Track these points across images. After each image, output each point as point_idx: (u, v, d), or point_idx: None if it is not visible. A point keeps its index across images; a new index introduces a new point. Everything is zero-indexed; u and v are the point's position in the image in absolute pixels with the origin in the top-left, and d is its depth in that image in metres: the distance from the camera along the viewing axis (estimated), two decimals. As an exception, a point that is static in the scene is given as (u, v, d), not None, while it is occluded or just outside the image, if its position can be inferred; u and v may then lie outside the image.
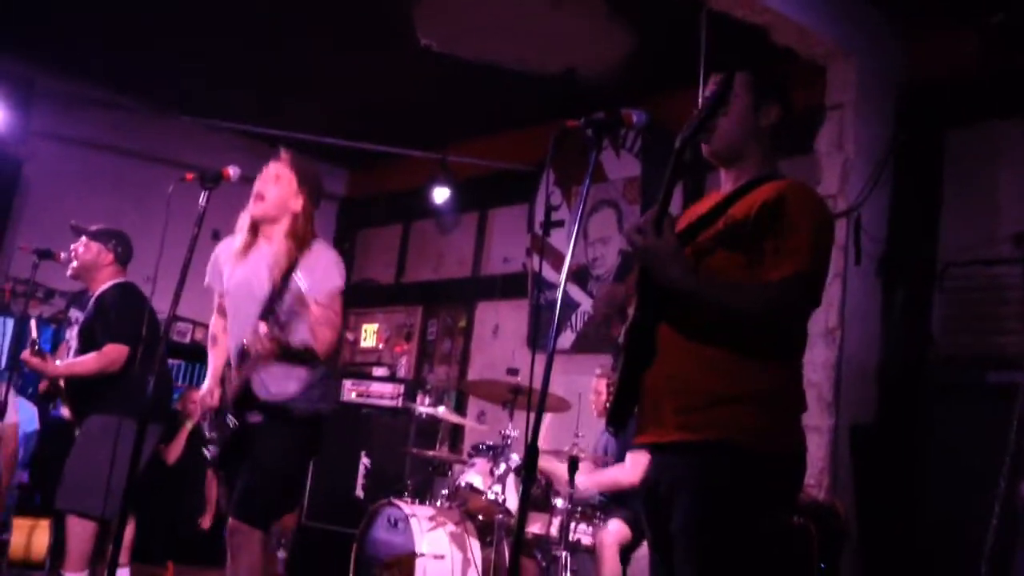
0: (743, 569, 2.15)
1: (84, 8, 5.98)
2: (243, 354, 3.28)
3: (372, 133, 7.31)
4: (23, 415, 6.05)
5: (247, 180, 3.40)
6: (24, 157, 6.86)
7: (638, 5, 5.25)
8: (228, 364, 3.44)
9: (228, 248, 3.50)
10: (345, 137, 7.15)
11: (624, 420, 2.32)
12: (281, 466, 3.33)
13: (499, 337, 7.24)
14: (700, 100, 2.40)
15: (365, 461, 6.62)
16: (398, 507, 4.93)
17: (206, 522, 6.40)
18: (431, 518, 4.88)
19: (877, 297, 4.90)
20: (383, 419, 6.80)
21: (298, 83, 6.80)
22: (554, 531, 4.63)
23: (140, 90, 7.19)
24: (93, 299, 4.53)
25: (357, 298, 8.36)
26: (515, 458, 4.80)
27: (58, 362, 4.53)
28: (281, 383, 3.31)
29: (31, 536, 5.43)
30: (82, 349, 4.46)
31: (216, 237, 3.56)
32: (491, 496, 4.72)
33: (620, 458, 4.89)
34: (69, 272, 4.58)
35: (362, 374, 7.49)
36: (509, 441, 4.86)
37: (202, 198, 3.17)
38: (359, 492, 6.54)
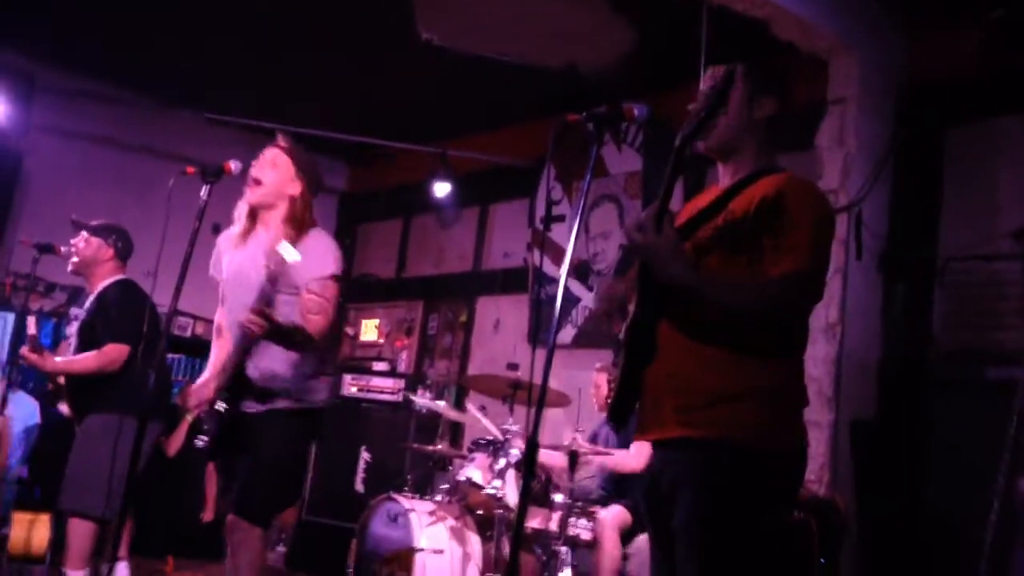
0: (745, 566, 2.15)
1: (85, 3, 5.97)
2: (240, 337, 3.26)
3: (373, 128, 7.30)
4: (24, 410, 6.05)
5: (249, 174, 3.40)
6: (25, 151, 6.85)
7: (639, 0, 5.24)
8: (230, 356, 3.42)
9: (228, 237, 3.49)
10: (346, 132, 7.14)
11: (625, 417, 2.32)
12: (280, 459, 3.29)
13: (500, 332, 7.24)
14: (698, 94, 2.39)
15: (365, 456, 6.62)
16: (398, 502, 4.93)
17: (207, 515, 6.40)
18: (431, 513, 4.88)
19: (878, 292, 4.90)
20: (383, 414, 6.80)
21: (299, 80, 6.79)
22: (553, 526, 4.63)
23: (141, 85, 7.19)
24: (94, 296, 4.52)
25: (357, 293, 8.37)
26: (515, 452, 4.80)
27: (58, 359, 4.53)
28: (271, 362, 3.26)
29: (31, 530, 5.43)
30: (81, 347, 4.45)
31: (217, 231, 3.54)
32: (491, 491, 4.72)
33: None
34: (69, 268, 4.57)
35: (362, 369, 7.50)
36: (509, 436, 4.86)
37: (203, 192, 3.17)
38: (359, 487, 6.55)
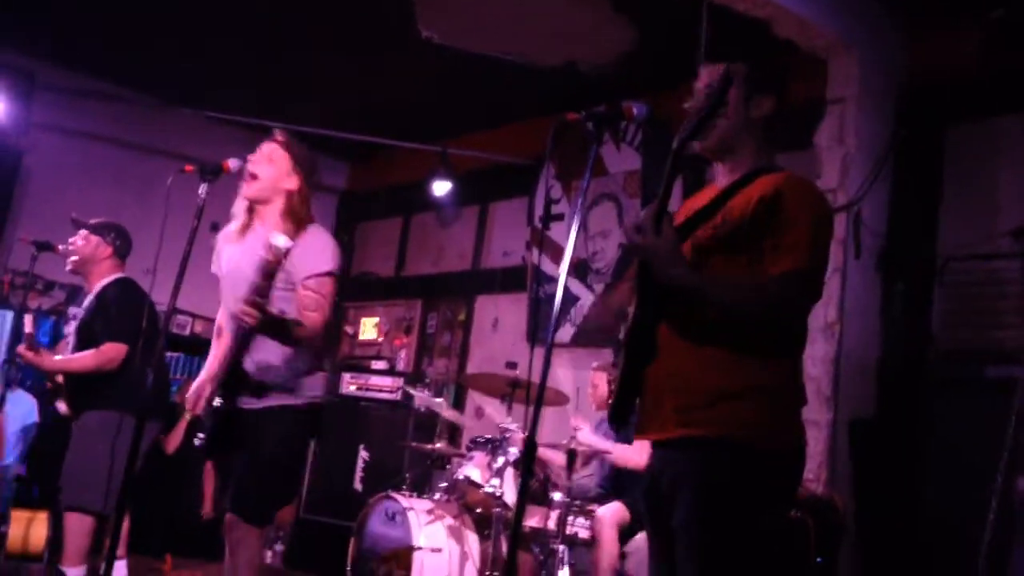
0: (745, 565, 2.16)
1: (86, 2, 5.96)
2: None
3: (373, 127, 7.30)
4: (22, 407, 6.05)
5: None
6: (25, 148, 6.85)
7: (639, -1, 5.25)
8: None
9: (227, 233, 3.48)
10: (346, 131, 7.14)
11: (626, 417, 2.32)
12: (277, 457, 3.27)
13: (498, 330, 7.24)
14: (694, 92, 2.39)
15: (364, 454, 6.63)
16: (396, 500, 4.93)
17: (206, 510, 6.40)
18: (429, 511, 4.88)
19: (877, 292, 4.90)
20: (382, 412, 6.81)
21: (299, 79, 6.79)
22: (552, 525, 4.63)
23: (141, 83, 7.19)
24: (93, 295, 4.52)
25: (357, 291, 8.37)
26: (513, 451, 4.80)
27: (56, 357, 4.53)
28: (266, 355, 3.24)
29: (29, 528, 5.44)
30: (80, 345, 4.45)
31: (215, 229, 3.53)
32: (489, 489, 4.72)
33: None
34: (68, 266, 4.57)
35: (361, 367, 7.50)
36: (507, 434, 4.86)
37: (202, 190, 3.16)
38: (357, 485, 6.55)
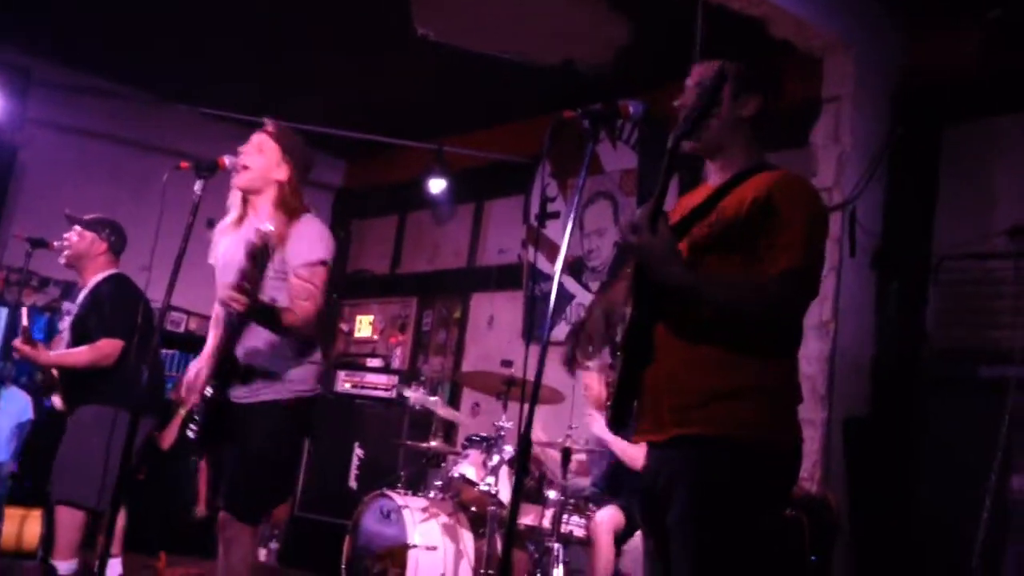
0: (740, 564, 2.15)
1: (83, -2, 5.96)
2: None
3: (369, 125, 7.29)
4: (16, 404, 6.04)
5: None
6: (20, 144, 6.83)
7: (636, -3, 5.25)
8: None
9: (223, 225, 3.47)
10: (343, 128, 7.13)
11: (625, 420, 2.32)
12: (268, 453, 3.24)
13: (494, 328, 7.24)
14: (685, 90, 2.39)
15: (358, 452, 6.63)
16: (391, 498, 4.93)
17: (200, 511, 6.40)
18: (424, 509, 4.88)
19: (871, 290, 4.90)
20: (377, 410, 6.81)
21: (296, 77, 6.77)
22: (547, 523, 4.64)
23: (137, 80, 7.17)
24: (87, 291, 4.51)
25: (352, 289, 8.36)
26: (508, 449, 4.81)
27: (52, 352, 4.52)
28: (255, 341, 3.22)
29: (23, 526, 5.43)
30: (75, 341, 4.45)
31: (211, 225, 3.53)
32: (484, 487, 4.73)
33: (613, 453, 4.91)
34: (62, 261, 4.57)
35: (356, 365, 7.50)
36: (503, 432, 4.86)
37: (197, 187, 3.16)
38: (352, 483, 6.55)
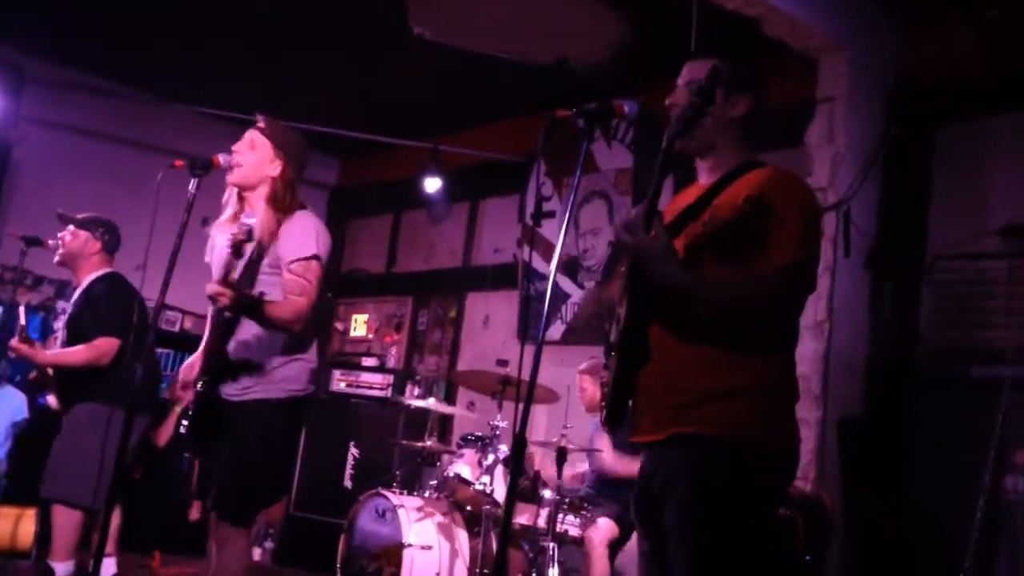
0: (737, 564, 2.15)
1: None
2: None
3: (364, 123, 7.29)
4: (11, 403, 6.02)
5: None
6: (14, 142, 6.82)
7: (631, -3, 5.25)
8: None
9: (220, 222, 3.46)
10: (338, 127, 7.13)
11: (621, 420, 2.32)
12: (256, 453, 3.21)
13: (489, 328, 7.24)
14: (676, 89, 2.40)
15: (354, 451, 6.62)
16: (386, 497, 4.93)
17: (193, 514, 6.38)
18: (419, 509, 4.88)
19: (865, 290, 4.91)
20: (372, 409, 6.80)
21: (292, 76, 6.76)
22: (542, 522, 4.65)
23: (132, 78, 7.15)
24: (81, 290, 4.50)
25: (347, 288, 8.36)
26: (503, 448, 4.81)
27: (48, 351, 4.51)
28: (246, 335, 3.22)
29: (17, 525, 5.42)
30: (69, 340, 4.44)
31: (206, 224, 3.52)
32: (479, 487, 4.73)
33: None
34: (56, 260, 4.56)
35: (351, 364, 7.49)
36: (498, 432, 4.87)
37: (192, 185, 3.15)
38: (347, 482, 6.55)
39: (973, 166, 4.87)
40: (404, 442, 5.60)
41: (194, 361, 3.42)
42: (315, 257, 3.27)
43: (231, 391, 3.23)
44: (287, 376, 3.27)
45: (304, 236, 3.28)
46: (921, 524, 4.50)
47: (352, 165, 8.75)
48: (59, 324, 4.57)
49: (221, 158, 3.24)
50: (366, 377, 7.03)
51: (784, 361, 2.30)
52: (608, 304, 2.46)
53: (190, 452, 4.31)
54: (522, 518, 4.75)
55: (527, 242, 6.89)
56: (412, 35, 5.61)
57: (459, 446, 5.14)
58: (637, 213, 2.23)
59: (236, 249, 3.04)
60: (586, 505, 4.76)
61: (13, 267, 5.18)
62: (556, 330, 6.49)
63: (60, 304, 4.69)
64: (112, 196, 6.31)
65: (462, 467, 4.88)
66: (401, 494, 5.01)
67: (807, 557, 4.02)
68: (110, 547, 4.80)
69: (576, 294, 6.48)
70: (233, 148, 3.34)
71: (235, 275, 3.08)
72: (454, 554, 4.81)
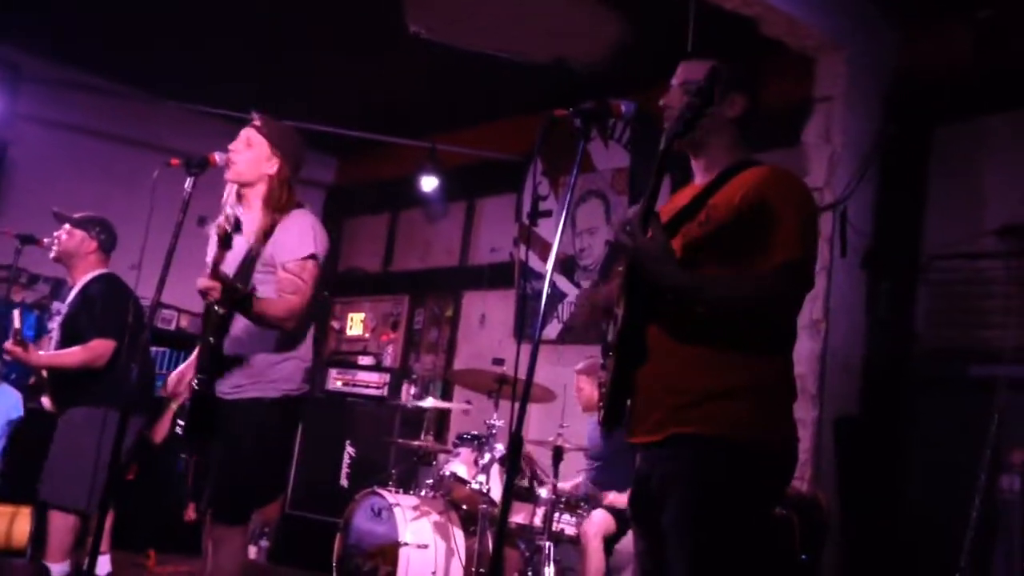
0: (737, 564, 2.15)
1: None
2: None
3: (362, 122, 7.28)
4: (7, 402, 6.01)
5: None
6: (9, 140, 6.80)
7: (628, -4, 5.25)
8: None
9: (219, 222, 3.46)
10: (335, 126, 7.12)
11: (619, 420, 2.32)
12: (251, 452, 3.20)
13: (486, 327, 7.24)
14: (670, 90, 2.39)
15: (350, 450, 6.62)
16: (382, 496, 4.93)
17: (189, 514, 6.38)
18: (415, 507, 4.88)
19: (862, 290, 4.92)
20: (368, 408, 6.80)
21: (289, 75, 6.75)
22: (538, 521, 4.64)
23: (128, 76, 7.14)
24: (77, 290, 4.49)
25: (344, 287, 8.35)
26: (499, 447, 4.80)
27: (42, 353, 4.49)
28: (240, 332, 3.21)
29: (12, 523, 5.41)
30: (64, 341, 4.42)
31: (202, 223, 3.51)
32: (475, 486, 4.72)
33: (606, 453, 4.91)
34: (52, 255, 4.55)
35: (348, 363, 7.49)
36: (494, 431, 4.86)
37: (188, 184, 3.14)
38: (343, 481, 6.54)
39: (970, 166, 4.87)
40: (400, 441, 5.60)
41: (191, 360, 3.41)
42: (311, 256, 3.26)
43: (226, 389, 3.22)
44: (282, 375, 3.25)
45: (301, 235, 3.28)
46: (917, 523, 4.50)
47: (349, 164, 8.74)
48: (54, 324, 4.55)
49: (217, 156, 3.23)
50: (362, 376, 7.02)
51: (782, 361, 2.30)
52: (604, 304, 2.46)
53: (186, 452, 4.31)
54: (518, 517, 4.75)
55: (524, 241, 6.89)
56: (409, 34, 5.60)
57: (455, 445, 5.14)
58: (634, 214, 2.23)
59: (224, 240, 3.01)
60: (582, 504, 4.76)
61: (8, 265, 5.16)
62: (552, 329, 6.48)
63: (55, 304, 4.67)
64: (108, 195, 6.30)
65: (458, 466, 4.87)
66: (397, 493, 5.01)
67: (803, 556, 4.02)
68: (104, 545, 4.79)
69: (573, 293, 6.48)
70: (230, 147, 3.33)
71: (224, 266, 3.06)
72: (450, 553, 4.81)
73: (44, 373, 4.52)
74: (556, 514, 4.62)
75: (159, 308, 3.38)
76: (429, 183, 7.25)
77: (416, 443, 5.36)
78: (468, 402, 5.89)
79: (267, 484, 3.53)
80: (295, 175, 3.41)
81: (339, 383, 7.03)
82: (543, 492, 4.67)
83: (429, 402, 5.50)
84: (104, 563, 4.78)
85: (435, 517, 4.88)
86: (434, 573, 4.73)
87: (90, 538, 3.10)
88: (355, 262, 8.52)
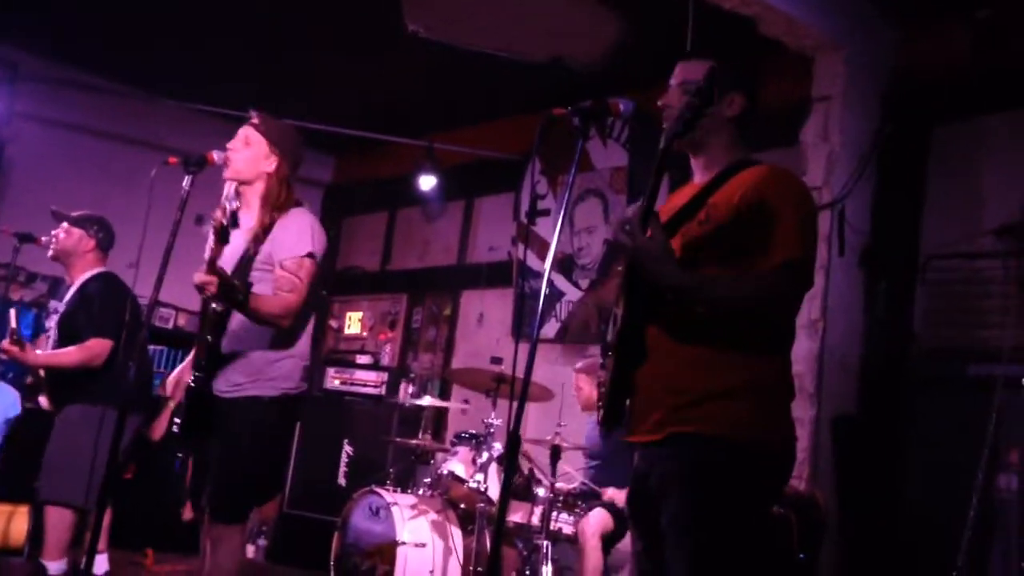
0: (737, 564, 2.15)
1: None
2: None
3: (360, 121, 7.28)
4: (5, 400, 6.00)
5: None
6: (7, 138, 6.79)
7: (627, -5, 5.25)
8: None
9: None
10: (333, 124, 7.11)
11: (619, 420, 2.32)
12: (254, 451, 3.20)
13: (484, 325, 7.24)
14: (669, 90, 2.39)
15: (348, 449, 6.61)
16: (380, 495, 4.92)
17: (187, 514, 6.36)
18: (413, 506, 4.88)
19: (860, 289, 4.92)
20: (366, 407, 6.79)
21: (287, 73, 6.74)
22: (536, 520, 4.64)
23: (127, 75, 7.13)
24: (75, 289, 4.49)
25: (342, 285, 8.35)
26: (497, 446, 4.80)
27: (39, 352, 4.49)
28: (238, 329, 3.21)
29: (10, 522, 5.41)
30: (61, 340, 4.42)
31: (200, 222, 3.50)
32: (473, 485, 4.72)
33: (604, 452, 4.91)
34: (50, 254, 4.54)
35: (346, 362, 7.48)
36: (492, 430, 4.86)
37: (185, 182, 3.14)
38: (341, 480, 6.54)
39: (968, 165, 4.87)
40: (398, 440, 5.60)
41: (189, 360, 3.41)
42: (309, 255, 3.26)
43: (223, 387, 3.22)
44: (280, 374, 3.25)
45: (299, 233, 3.27)
46: (915, 522, 4.50)
47: (347, 162, 8.74)
48: (51, 323, 4.55)
49: (215, 155, 3.23)
50: (360, 375, 7.02)
51: (781, 360, 2.30)
52: (603, 304, 2.46)
53: (184, 451, 4.30)
54: (516, 516, 4.75)
55: (522, 240, 6.89)
56: (407, 33, 5.59)
57: (453, 444, 5.14)
58: (634, 213, 2.23)
59: (220, 234, 2.99)
60: (580, 503, 4.76)
61: (6, 264, 5.16)
62: (551, 328, 6.48)
63: (52, 303, 4.66)
64: (106, 193, 6.30)
65: (456, 465, 4.87)
66: (395, 492, 5.01)
67: (800, 555, 4.02)
68: (101, 544, 4.78)
69: (571, 292, 6.48)
70: (228, 145, 3.33)
71: (222, 264, 3.05)
72: (448, 552, 4.81)
73: (41, 372, 4.52)
74: (554, 513, 4.62)
75: (157, 307, 3.36)
76: (427, 182, 7.25)
77: (414, 442, 5.36)
78: (466, 401, 5.89)
79: (265, 483, 3.52)
80: (294, 173, 3.41)
81: (337, 382, 7.02)
82: (541, 491, 4.67)
83: (427, 401, 5.50)
84: (102, 562, 4.78)
85: (433, 516, 4.88)
86: (432, 572, 4.73)
87: (88, 534, 3.09)
88: (353, 261, 8.52)
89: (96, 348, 4.32)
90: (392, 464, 5.73)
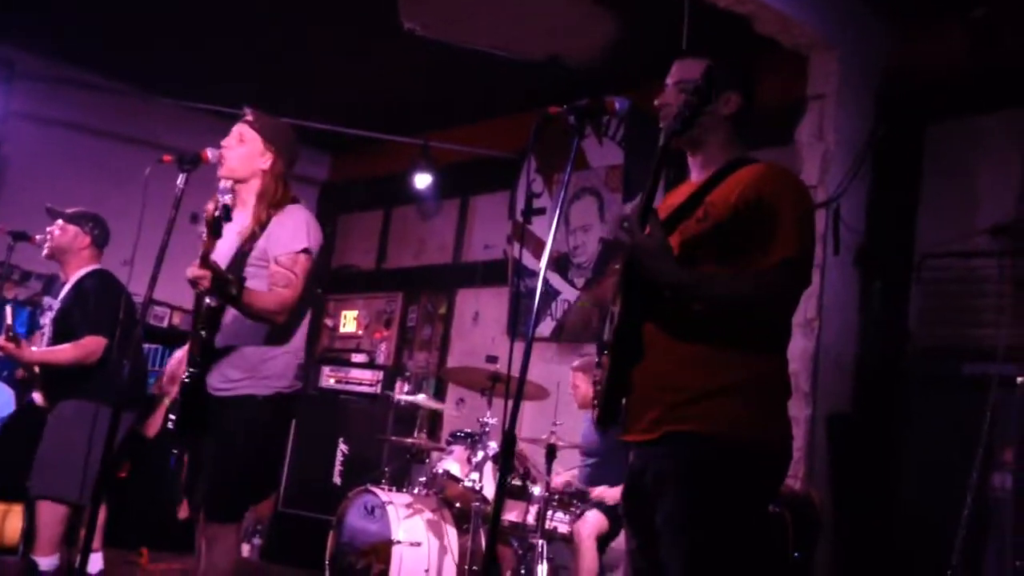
0: (734, 563, 2.15)
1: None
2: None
3: (355, 119, 7.27)
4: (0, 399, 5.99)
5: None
6: (3, 137, 6.78)
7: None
8: None
9: None
10: (328, 123, 7.11)
11: (615, 418, 2.32)
12: (249, 450, 3.19)
13: (479, 324, 7.24)
14: (665, 89, 2.39)
15: (343, 448, 6.61)
16: (375, 494, 4.92)
17: (182, 513, 6.35)
18: (408, 505, 4.88)
19: (855, 288, 4.93)
20: (361, 406, 6.79)
21: (282, 72, 6.74)
22: (531, 519, 4.64)
23: (123, 73, 7.12)
24: (70, 286, 4.48)
25: (337, 284, 8.34)
26: (492, 445, 4.80)
27: (34, 349, 4.48)
28: (232, 324, 3.19)
29: (4, 521, 5.39)
30: (56, 337, 4.41)
31: (194, 220, 3.49)
32: (468, 484, 4.72)
33: (601, 450, 4.92)
34: (44, 252, 4.54)
35: (341, 360, 7.48)
36: (487, 428, 4.86)
37: (180, 180, 3.13)
38: (336, 479, 6.53)
39: (963, 164, 4.88)
40: (393, 438, 5.59)
41: (182, 355, 3.39)
42: (305, 251, 3.25)
43: (217, 383, 3.21)
44: (274, 371, 3.24)
45: (295, 230, 3.26)
46: (909, 521, 4.51)
47: (343, 161, 8.73)
48: (46, 320, 4.54)
49: (210, 153, 3.22)
50: (355, 373, 7.01)
51: (779, 359, 2.30)
52: (599, 303, 2.47)
53: (178, 447, 4.29)
54: (511, 515, 4.75)
55: (517, 239, 6.88)
56: (403, 31, 5.59)
57: (448, 443, 5.14)
58: (633, 211, 2.22)
59: (212, 227, 2.97)
60: (575, 502, 4.76)
61: (0, 262, 5.15)
62: (546, 327, 6.48)
63: (47, 300, 4.65)
64: (101, 191, 6.27)
65: (451, 464, 4.87)
66: (390, 491, 5.01)
67: (795, 554, 4.02)
68: (96, 542, 4.77)
69: (566, 291, 6.48)
70: (222, 143, 3.32)
71: (216, 260, 3.04)
72: (443, 551, 4.81)
73: (36, 369, 4.51)
74: (549, 512, 4.62)
75: (151, 304, 3.34)
76: (423, 180, 7.25)
77: (409, 441, 5.36)
78: (461, 400, 5.89)
79: (260, 482, 3.51)
80: (289, 170, 3.40)
81: (332, 380, 7.01)
82: (536, 490, 4.67)
83: (422, 399, 5.50)
84: (96, 560, 4.77)
85: (428, 515, 4.87)
86: (427, 571, 4.73)
87: (82, 531, 3.08)
88: (349, 259, 8.51)
89: (91, 345, 4.32)
90: (387, 463, 5.73)
